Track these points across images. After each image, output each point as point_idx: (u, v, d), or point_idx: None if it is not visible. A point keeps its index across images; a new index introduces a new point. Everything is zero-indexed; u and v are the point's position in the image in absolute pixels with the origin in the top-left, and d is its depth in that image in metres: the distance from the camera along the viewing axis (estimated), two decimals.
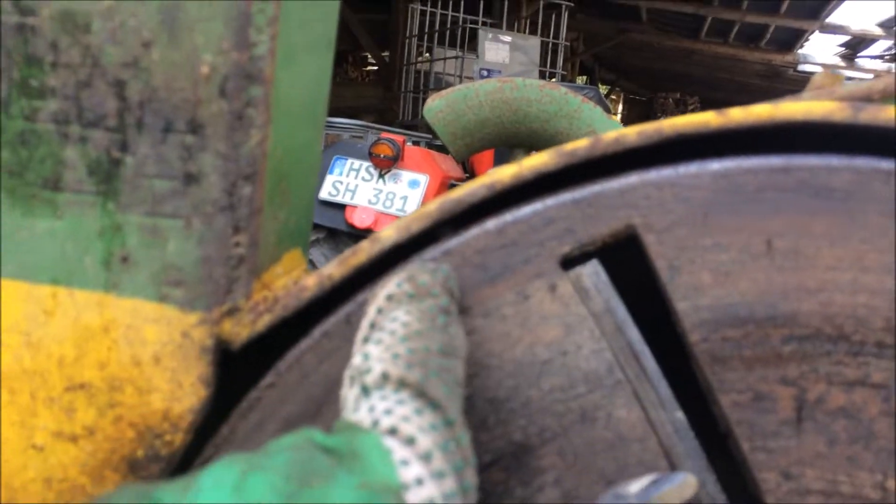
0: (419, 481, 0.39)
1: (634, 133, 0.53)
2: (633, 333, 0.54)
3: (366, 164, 2.66)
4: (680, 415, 0.53)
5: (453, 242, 0.56)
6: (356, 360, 0.47)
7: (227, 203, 0.56)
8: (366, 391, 0.44)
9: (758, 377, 0.52)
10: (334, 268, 0.57)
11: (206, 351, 0.57)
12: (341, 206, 2.69)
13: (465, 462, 0.42)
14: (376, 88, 7.29)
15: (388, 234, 0.57)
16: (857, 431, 0.51)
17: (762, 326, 0.52)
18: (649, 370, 0.54)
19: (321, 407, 0.56)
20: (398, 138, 2.65)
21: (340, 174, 2.66)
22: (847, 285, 0.51)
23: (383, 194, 2.67)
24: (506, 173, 0.55)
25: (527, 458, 0.54)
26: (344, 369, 0.48)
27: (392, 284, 0.51)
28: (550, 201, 0.55)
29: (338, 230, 2.70)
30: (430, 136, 3.79)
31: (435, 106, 2.00)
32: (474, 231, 0.55)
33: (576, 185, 0.55)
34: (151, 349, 0.57)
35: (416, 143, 3.35)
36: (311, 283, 0.57)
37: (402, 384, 0.44)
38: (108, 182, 0.57)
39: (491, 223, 0.55)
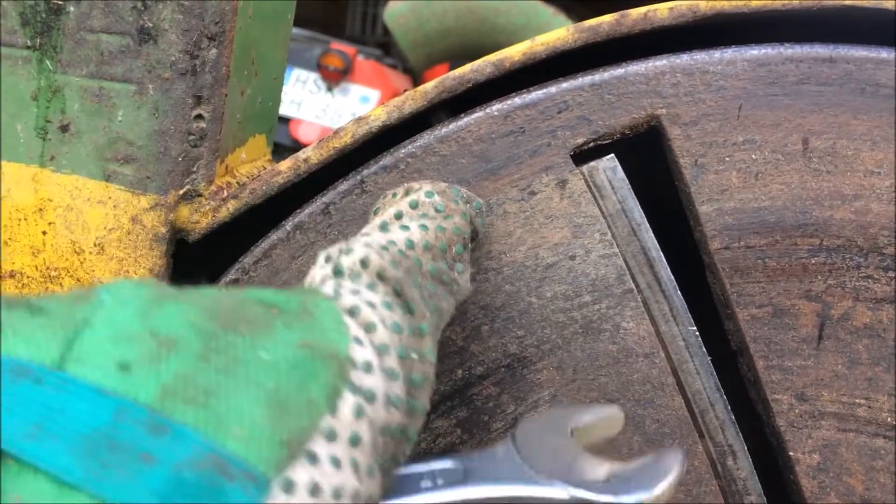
0: (368, 367, 0.31)
1: (666, 9, 0.47)
2: (649, 238, 0.49)
3: (313, 75, 2.53)
4: (693, 329, 0.49)
5: (451, 127, 0.49)
6: (338, 244, 0.38)
7: (189, 67, 0.47)
8: (338, 273, 0.36)
9: (780, 291, 0.48)
10: (312, 151, 0.50)
11: (160, 240, 0.49)
12: (286, 120, 2.57)
13: (424, 380, 0.34)
14: None
15: (376, 114, 0.49)
16: (880, 352, 0.47)
17: (790, 235, 0.47)
18: (663, 279, 0.49)
19: None
20: (349, 50, 2.52)
21: (286, 84, 2.52)
22: (885, 192, 0.46)
23: (331, 109, 2.56)
24: (516, 49, 0.48)
25: (522, 372, 0.49)
26: None
27: (421, 192, 0.42)
28: (566, 84, 0.48)
29: (281, 144, 2.58)
30: (379, 51, 3.65)
31: (397, 10, 1.88)
32: (477, 114, 0.48)
33: (594, 69, 0.48)
34: (94, 235, 0.49)
35: (366, 58, 3.22)
36: (286, 167, 0.50)
37: (380, 276, 0.35)
38: (46, 35, 0.48)
39: (496, 106, 0.49)
